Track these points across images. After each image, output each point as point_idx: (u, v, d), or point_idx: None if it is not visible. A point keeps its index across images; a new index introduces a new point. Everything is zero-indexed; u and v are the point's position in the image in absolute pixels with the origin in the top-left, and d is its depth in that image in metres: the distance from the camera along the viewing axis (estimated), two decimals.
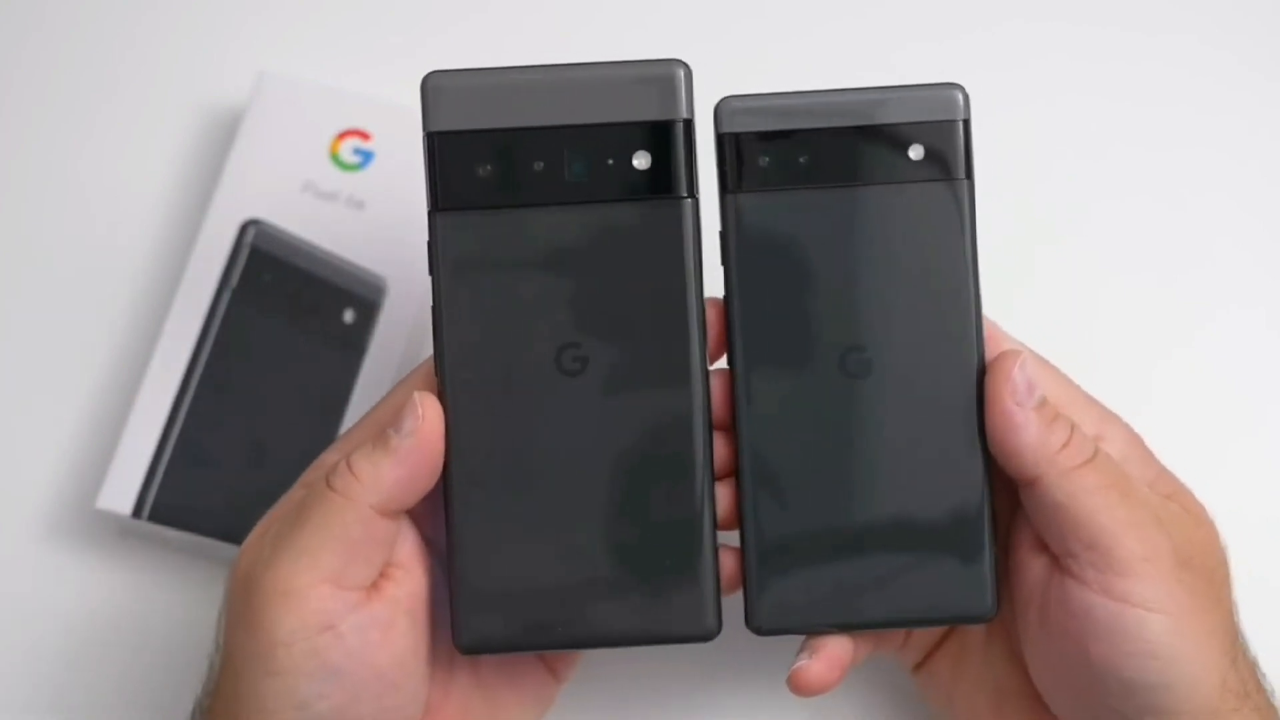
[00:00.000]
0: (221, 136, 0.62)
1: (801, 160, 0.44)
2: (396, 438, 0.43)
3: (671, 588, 0.44)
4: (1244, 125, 0.64)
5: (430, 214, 0.44)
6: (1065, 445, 0.44)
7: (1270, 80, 0.65)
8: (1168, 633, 0.43)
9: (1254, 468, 0.60)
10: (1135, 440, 0.47)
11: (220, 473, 0.55)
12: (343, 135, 0.59)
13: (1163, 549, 0.43)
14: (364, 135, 0.59)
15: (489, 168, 0.44)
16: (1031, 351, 0.46)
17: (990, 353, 0.45)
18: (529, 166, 0.44)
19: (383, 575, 0.44)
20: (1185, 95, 0.64)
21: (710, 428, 0.45)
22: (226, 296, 0.56)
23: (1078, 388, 0.47)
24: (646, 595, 0.44)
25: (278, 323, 0.56)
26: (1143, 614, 0.43)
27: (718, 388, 0.45)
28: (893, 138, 0.44)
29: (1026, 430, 0.44)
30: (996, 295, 0.61)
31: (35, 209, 0.61)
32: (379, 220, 0.58)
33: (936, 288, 0.45)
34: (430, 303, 0.45)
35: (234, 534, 0.54)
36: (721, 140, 0.44)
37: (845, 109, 0.44)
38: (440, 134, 0.44)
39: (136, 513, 0.54)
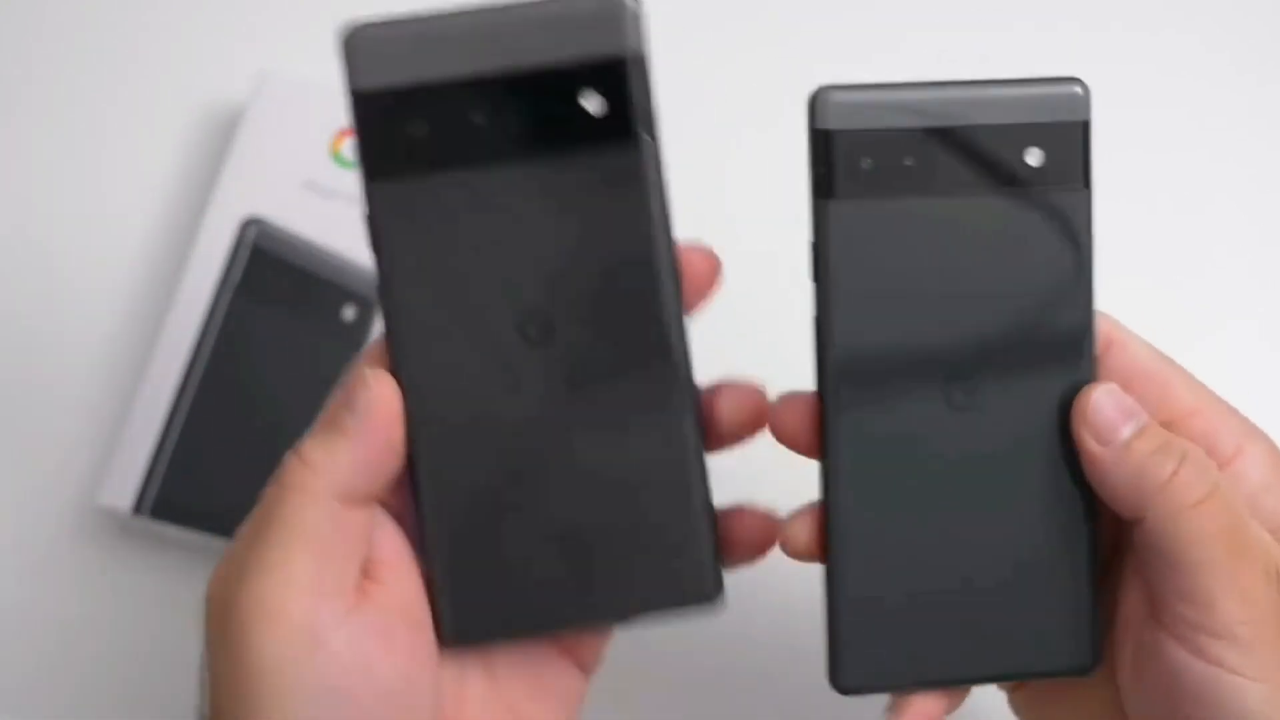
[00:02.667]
0: (221, 136, 0.62)
1: (908, 164, 0.38)
2: (349, 416, 0.39)
3: (664, 554, 0.40)
4: (1241, 128, 0.64)
5: (365, 184, 0.40)
6: (1172, 477, 0.39)
7: (1264, 83, 0.65)
8: (1266, 703, 0.38)
9: None
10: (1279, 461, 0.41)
11: (220, 470, 0.55)
12: (343, 133, 0.59)
13: (1269, 613, 0.38)
14: None
15: (424, 126, 0.39)
16: (1158, 355, 0.42)
17: (1104, 367, 0.41)
18: (469, 121, 0.39)
19: (369, 578, 0.39)
20: (1182, 98, 0.64)
21: (691, 384, 0.40)
22: (227, 294, 0.56)
23: (1213, 396, 0.41)
24: (637, 564, 0.41)
25: (278, 320, 0.56)
26: (1240, 681, 0.38)
27: (807, 413, 0.40)
28: (1009, 140, 0.39)
29: (1118, 470, 0.39)
30: None
31: (36, 207, 0.61)
32: None
33: (1051, 312, 0.40)
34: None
35: (233, 531, 0.54)
36: (819, 138, 0.39)
37: (957, 106, 0.38)
38: (365, 93, 0.39)
39: (137, 510, 0.54)
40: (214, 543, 0.54)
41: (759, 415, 0.42)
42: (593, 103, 0.39)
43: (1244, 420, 0.42)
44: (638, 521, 0.41)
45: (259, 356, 0.56)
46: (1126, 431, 0.39)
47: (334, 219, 0.58)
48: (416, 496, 0.41)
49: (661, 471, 0.40)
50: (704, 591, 0.41)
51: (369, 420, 0.39)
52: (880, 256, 0.39)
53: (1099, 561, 0.41)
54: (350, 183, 0.58)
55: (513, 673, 0.43)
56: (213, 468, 0.55)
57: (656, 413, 0.40)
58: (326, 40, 0.64)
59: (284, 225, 0.57)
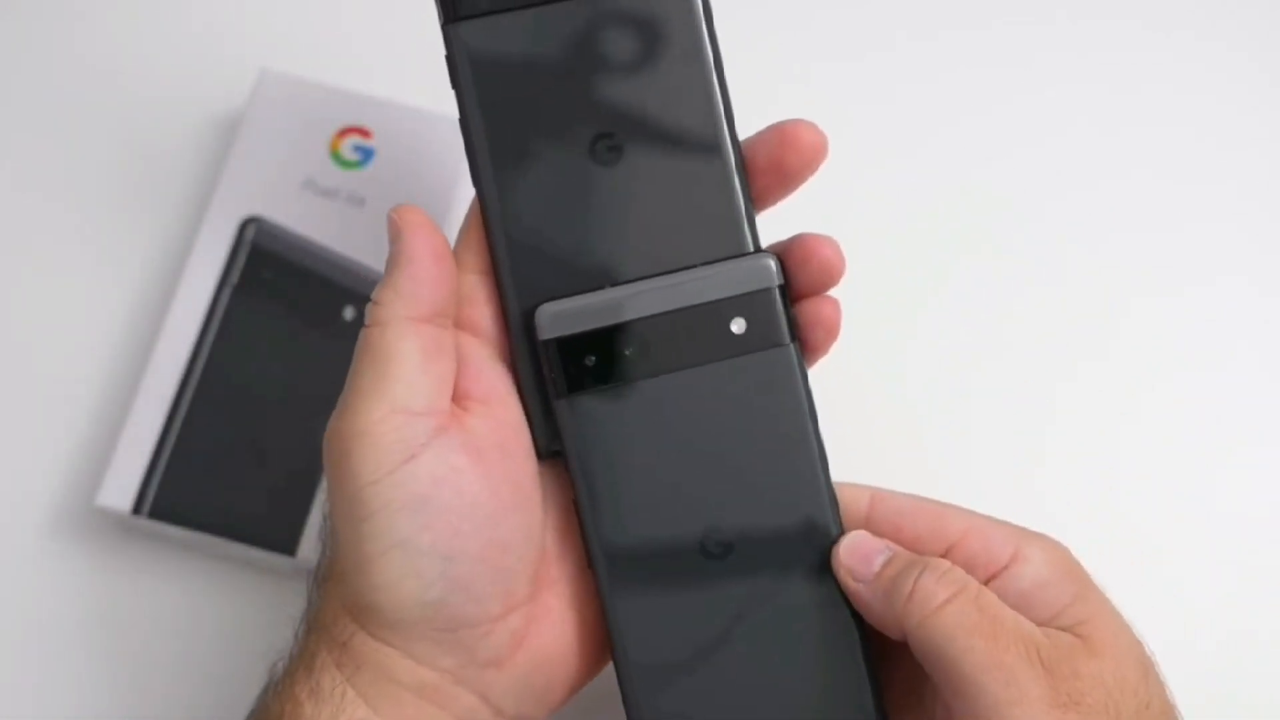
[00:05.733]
0: (221, 135, 0.62)
1: (628, 353, 0.43)
2: (391, 250, 0.43)
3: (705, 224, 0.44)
4: (1236, 104, 0.64)
5: (444, 27, 0.44)
6: (914, 588, 0.42)
7: (1256, 59, 0.65)
8: None
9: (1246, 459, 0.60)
10: (1057, 560, 0.44)
11: (220, 470, 0.55)
12: (343, 133, 0.59)
13: (1033, 692, 0.40)
14: (364, 133, 0.59)
15: None
16: (921, 498, 0.45)
17: (874, 516, 0.45)
18: None
19: (462, 408, 0.43)
20: (1180, 80, 0.64)
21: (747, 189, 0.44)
22: (227, 294, 0.56)
23: (983, 516, 0.45)
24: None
25: (278, 320, 0.56)
26: None
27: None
28: (713, 316, 0.43)
29: (874, 602, 0.43)
30: (995, 286, 0.61)
31: (36, 207, 0.61)
32: (379, 217, 0.58)
33: (782, 457, 0.44)
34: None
35: (234, 530, 0.54)
36: (544, 349, 0.43)
37: (662, 296, 0.43)
38: None
39: (136, 510, 0.54)
40: (213, 542, 0.54)
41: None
42: None
43: (1018, 529, 0.44)
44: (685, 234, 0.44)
45: (259, 356, 0.56)
46: (877, 563, 0.43)
47: (334, 218, 0.58)
48: (502, 292, 0.44)
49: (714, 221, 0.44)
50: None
51: (407, 238, 0.43)
52: (620, 437, 0.43)
53: (878, 683, 0.44)
54: (349, 182, 0.58)
55: None
56: (213, 468, 0.55)
57: (717, 213, 0.44)
58: (326, 40, 0.64)
59: (284, 224, 0.57)
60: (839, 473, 0.45)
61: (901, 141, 0.63)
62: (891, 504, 0.45)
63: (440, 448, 0.42)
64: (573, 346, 0.43)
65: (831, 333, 0.45)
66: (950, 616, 0.41)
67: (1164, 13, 0.66)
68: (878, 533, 0.45)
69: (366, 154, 0.59)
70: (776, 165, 0.44)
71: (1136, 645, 0.43)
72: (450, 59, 0.44)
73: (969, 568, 0.43)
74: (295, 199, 0.58)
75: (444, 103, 0.60)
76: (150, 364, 0.56)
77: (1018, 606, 0.42)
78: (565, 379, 0.43)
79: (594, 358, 0.43)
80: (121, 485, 0.54)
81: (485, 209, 0.44)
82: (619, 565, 0.43)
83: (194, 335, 0.56)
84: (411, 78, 0.59)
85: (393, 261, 0.43)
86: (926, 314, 0.61)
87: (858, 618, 0.44)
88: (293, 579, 0.55)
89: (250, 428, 0.55)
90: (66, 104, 0.63)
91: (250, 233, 0.57)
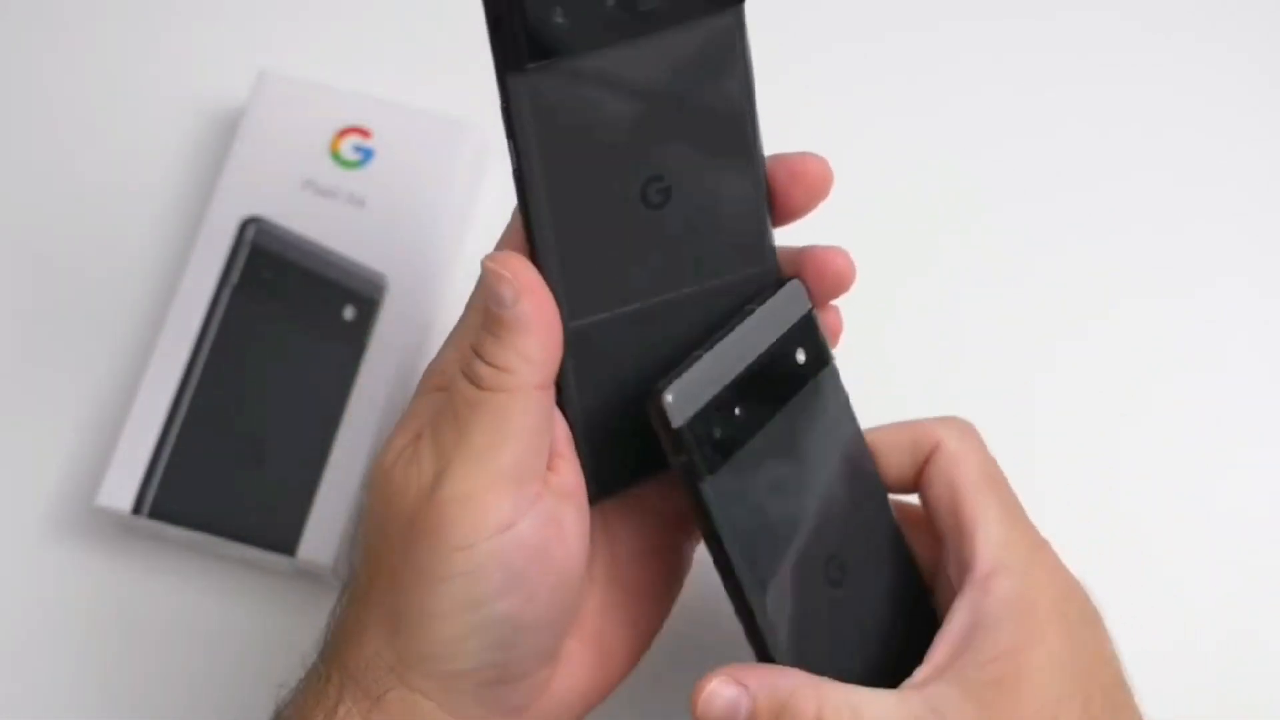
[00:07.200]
0: (221, 135, 0.62)
1: (738, 412, 0.42)
2: (509, 310, 0.41)
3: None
4: (1236, 104, 0.64)
5: (504, 76, 0.41)
6: None
7: (1258, 61, 0.65)
8: None
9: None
10: (1013, 600, 0.44)
11: (220, 470, 0.55)
12: (343, 133, 0.59)
13: None
14: (364, 133, 0.59)
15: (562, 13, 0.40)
16: (981, 480, 0.47)
17: (929, 470, 0.47)
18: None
19: (549, 468, 0.42)
20: (1180, 77, 0.64)
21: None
22: (227, 293, 0.56)
23: (994, 510, 0.46)
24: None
25: (278, 320, 0.56)
26: None
27: None
28: (784, 352, 0.44)
29: None
30: (996, 286, 0.61)
31: (37, 207, 0.61)
32: (379, 217, 0.58)
33: (852, 464, 0.46)
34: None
35: (234, 530, 0.54)
36: (681, 434, 0.41)
37: (741, 347, 0.43)
38: None
39: (136, 510, 0.54)
40: (213, 542, 0.54)
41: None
42: None
43: (1011, 549, 0.45)
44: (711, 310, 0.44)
45: (259, 356, 0.56)
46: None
47: (334, 218, 0.58)
48: (565, 381, 0.43)
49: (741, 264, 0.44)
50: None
51: (529, 303, 0.41)
52: (750, 495, 0.43)
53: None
54: (349, 182, 0.58)
55: (628, 557, 0.46)
56: (213, 468, 0.55)
57: (745, 249, 0.44)
58: (326, 40, 0.64)
59: (284, 224, 0.57)
60: None
61: (899, 143, 0.63)
62: (944, 464, 0.46)
63: (535, 517, 0.41)
64: (702, 424, 0.42)
65: (836, 338, 0.46)
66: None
67: (1164, 13, 0.66)
68: (927, 477, 0.47)
69: (366, 154, 0.59)
70: (784, 197, 0.44)
71: (1056, 703, 0.42)
72: (508, 110, 0.41)
73: (959, 563, 0.45)
74: (295, 199, 0.58)
75: (444, 103, 0.61)
76: (150, 363, 0.56)
77: (962, 639, 0.43)
78: (706, 459, 0.42)
79: (719, 430, 0.42)
80: (121, 485, 0.54)
81: (542, 261, 0.42)
82: (768, 598, 0.43)
83: (194, 334, 0.56)
84: (411, 78, 0.59)
85: (516, 325, 0.41)
86: (925, 315, 0.61)
87: (929, 606, 0.47)
88: (293, 579, 0.55)
89: (250, 428, 0.55)
90: (67, 103, 0.63)
91: (250, 233, 0.57)
